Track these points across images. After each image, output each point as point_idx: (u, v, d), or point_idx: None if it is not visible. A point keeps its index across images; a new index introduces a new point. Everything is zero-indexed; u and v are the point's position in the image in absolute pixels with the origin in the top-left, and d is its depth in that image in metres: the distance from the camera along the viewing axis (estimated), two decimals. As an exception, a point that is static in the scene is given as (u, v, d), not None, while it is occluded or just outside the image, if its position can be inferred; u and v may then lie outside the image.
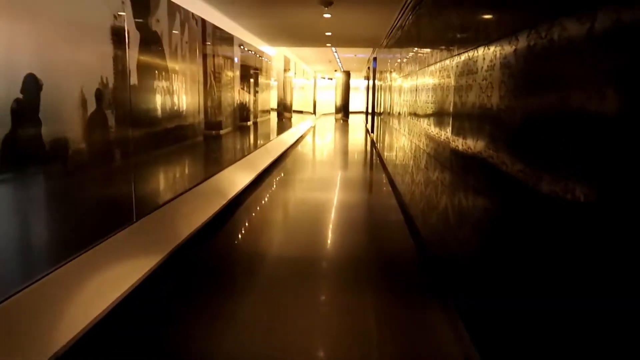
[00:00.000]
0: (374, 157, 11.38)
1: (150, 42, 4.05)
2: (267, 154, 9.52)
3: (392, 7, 6.57)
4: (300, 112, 22.10)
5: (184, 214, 4.47)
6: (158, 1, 4.19)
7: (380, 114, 12.07)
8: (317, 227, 5.27)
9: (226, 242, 4.63)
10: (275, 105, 12.65)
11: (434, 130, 3.94)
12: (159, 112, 4.35)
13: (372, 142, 14.26)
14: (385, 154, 9.32)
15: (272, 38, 10.00)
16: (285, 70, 13.89)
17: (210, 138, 6.19)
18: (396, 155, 7.33)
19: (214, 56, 6.07)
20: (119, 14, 3.42)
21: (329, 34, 9.13)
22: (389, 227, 5.29)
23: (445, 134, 3.40)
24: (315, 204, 6.45)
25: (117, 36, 3.43)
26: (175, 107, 4.72)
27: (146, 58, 3.94)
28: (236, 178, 6.88)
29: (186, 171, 5.27)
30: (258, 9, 6.80)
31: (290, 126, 16.26)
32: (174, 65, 4.61)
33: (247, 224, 5.44)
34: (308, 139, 16.20)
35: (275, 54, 11.83)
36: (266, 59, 10.60)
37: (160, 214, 4.12)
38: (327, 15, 7.04)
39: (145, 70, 3.94)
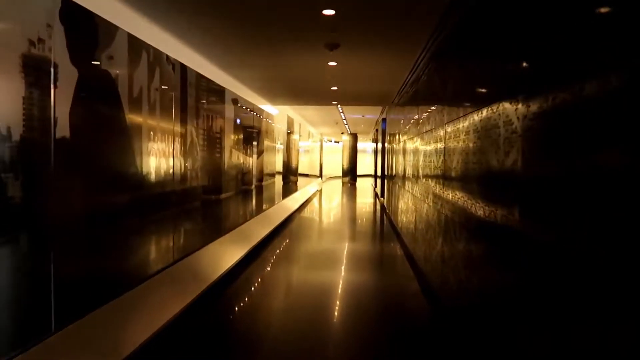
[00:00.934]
0: (385, 225, 10.21)
1: (97, 84, 3.06)
2: (266, 222, 8.39)
3: (406, 56, 5.71)
4: (307, 175, 21.27)
5: (133, 316, 3.25)
6: (113, 33, 3.24)
7: (391, 177, 11.06)
8: (316, 325, 3.99)
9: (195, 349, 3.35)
10: (280, 168, 11.70)
11: (462, 196, 2.83)
12: (115, 175, 3.29)
13: (382, 207, 13.14)
14: (400, 222, 8.17)
15: (272, 94, 9.24)
16: (290, 132, 13.09)
17: (207, 203, 5.12)
18: (416, 225, 6.16)
19: (197, 110, 5.13)
20: (39, 39, 2.44)
21: (335, 88, 8.33)
22: (413, 331, 3.99)
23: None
24: (317, 291, 5.18)
25: (35, 70, 2.43)
26: (138, 170, 3.66)
27: (87, 104, 2.92)
28: (224, 254, 5.70)
29: (151, 252, 4.11)
30: (254, 58, 5.97)
31: (295, 190, 15.26)
32: (136, 117, 3.60)
33: (226, 324, 4.16)
34: (314, 203, 15.14)
35: (277, 114, 11.04)
36: (267, 119, 9.80)
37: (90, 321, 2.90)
38: (332, 64, 6.20)
39: (85, 120, 2.91)
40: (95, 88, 3.04)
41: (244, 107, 7.98)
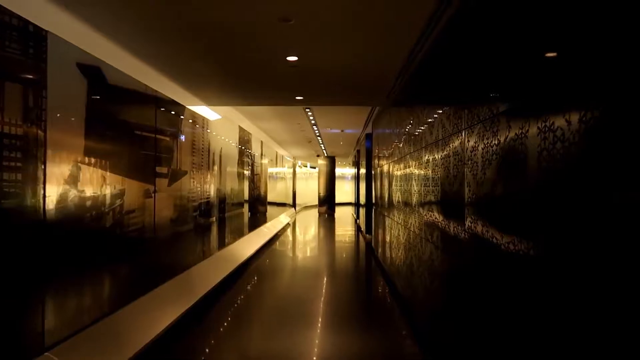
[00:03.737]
0: (377, 282, 7.01)
1: None
2: (198, 283, 5.09)
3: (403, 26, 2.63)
4: (282, 204, 17.98)
5: None
6: None
7: (381, 207, 7.96)
8: None
9: None
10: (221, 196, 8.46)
11: None
12: None
13: (369, 248, 9.94)
14: (400, 275, 4.99)
15: (195, 82, 6.04)
16: (242, 148, 9.89)
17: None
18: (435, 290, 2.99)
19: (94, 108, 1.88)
20: None
21: (294, 58, 5.20)
22: None
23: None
24: None
25: None
26: None
27: None
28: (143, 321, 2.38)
29: None
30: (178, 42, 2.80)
31: (261, 223, 11.92)
32: None
33: None
34: (282, 242, 11.82)
35: (218, 119, 7.81)
36: (194, 123, 6.59)
37: None
38: (292, 59, 3.09)
39: None
40: None
41: (191, 121, 4.79)
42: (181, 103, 5.97)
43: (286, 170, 20.19)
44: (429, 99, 3.97)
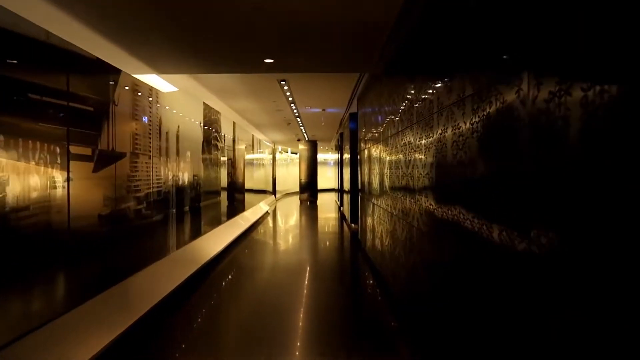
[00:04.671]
0: (363, 273, 5.92)
1: None
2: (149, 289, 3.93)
3: None
4: (261, 191, 16.79)
5: None
6: None
7: (366, 193, 6.84)
8: None
9: None
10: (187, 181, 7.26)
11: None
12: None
13: (355, 239, 8.84)
14: (396, 277, 3.91)
15: (168, 59, 4.79)
16: (208, 128, 8.68)
17: None
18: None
19: None
20: None
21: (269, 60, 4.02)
22: None
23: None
24: None
25: None
26: None
27: None
28: None
29: None
30: None
31: (237, 212, 10.73)
32: None
33: None
34: (261, 232, 10.64)
35: (175, 92, 6.55)
36: (136, 89, 5.35)
37: None
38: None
39: None
40: None
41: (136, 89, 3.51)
42: (125, 71, 4.72)
43: (265, 156, 18.92)
44: (437, 62, 2.82)
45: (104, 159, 3.98)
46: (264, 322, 4.28)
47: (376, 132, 6.02)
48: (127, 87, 4.60)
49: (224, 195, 9.68)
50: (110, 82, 4.22)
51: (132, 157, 4.57)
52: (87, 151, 3.71)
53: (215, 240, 7.61)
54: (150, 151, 5.08)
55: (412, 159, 3.66)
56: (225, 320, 4.47)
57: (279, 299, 5.05)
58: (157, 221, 5.25)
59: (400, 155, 4.21)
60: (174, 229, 5.86)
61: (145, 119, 4.95)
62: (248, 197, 13.44)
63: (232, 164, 10.68)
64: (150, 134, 5.08)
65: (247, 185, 13.42)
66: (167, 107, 5.77)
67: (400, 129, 4.23)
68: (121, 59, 4.75)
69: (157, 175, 5.32)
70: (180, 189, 6.29)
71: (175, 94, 6.21)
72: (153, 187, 5.16)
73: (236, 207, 11.32)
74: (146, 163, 4.96)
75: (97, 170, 3.82)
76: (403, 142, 4.10)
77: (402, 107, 4.14)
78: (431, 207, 3.10)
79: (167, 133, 5.70)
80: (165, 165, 5.62)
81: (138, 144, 4.73)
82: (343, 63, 5.18)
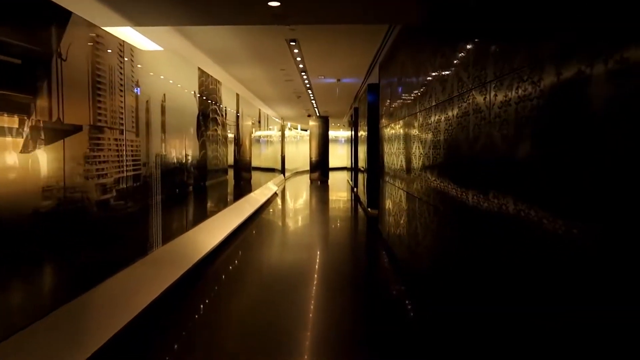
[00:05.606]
0: (389, 280, 4.82)
1: None
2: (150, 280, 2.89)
3: None
4: (269, 169, 15.71)
5: None
6: None
7: (389, 176, 5.64)
8: None
9: None
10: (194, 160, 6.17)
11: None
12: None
13: (373, 227, 7.66)
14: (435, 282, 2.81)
15: (144, 6, 3.62)
16: (203, 97, 7.54)
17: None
18: None
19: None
20: None
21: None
22: None
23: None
24: None
25: None
26: None
27: None
28: None
29: None
30: None
31: (242, 194, 9.66)
32: None
33: None
34: (266, 219, 9.57)
35: (160, 52, 5.39)
36: (166, 79, 4.20)
37: None
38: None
39: None
40: None
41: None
42: (93, 22, 3.55)
43: (274, 133, 17.72)
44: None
45: (45, 134, 2.86)
46: (267, 347, 3.20)
47: (408, 103, 4.81)
48: (85, 38, 3.44)
49: (227, 175, 8.58)
50: (54, 26, 3.05)
51: (92, 132, 3.44)
52: (13, 123, 2.58)
53: (213, 230, 6.53)
54: (122, 124, 3.95)
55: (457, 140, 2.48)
56: (220, 343, 3.40)
57: (285, 317, 3.97)
58: (131, 214, 4.15)
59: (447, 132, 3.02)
60: (156, 222, 4.78)
61: (114, 83, 3.80)
62: (255, 175, 12.38)
63: (236, 141, 9.54)
64: (122, 102, 3.94)
65: (254, 164, 12.34)
66: (147, 70, 4.60)
67: (454, 95, 3.03)
68: (85, 5, 3.58)
69: (133, 156, 4.19)
70: (168, 172, 5.18)
71: (159, 55, 5.03)
72: (127, 171, 4.05)
73: (243, 187, 10.24)
74: (116, 140, 3.82)
75: (29, 150, 2.71)
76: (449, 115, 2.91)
77: (452, 71, 2.93)
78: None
79: (147, 102, 4.54)
80: (145, 143, 4.49)
81: (102, 115, 3.60)
82: (369, 7, 3.94)
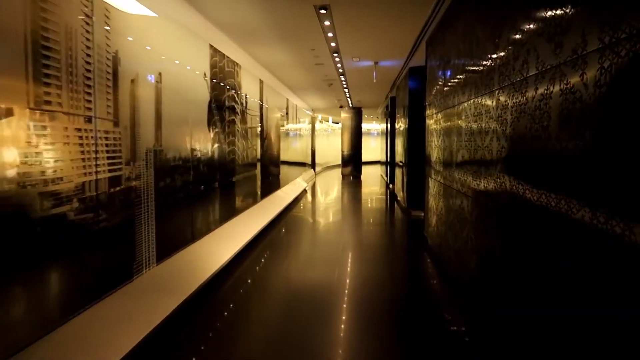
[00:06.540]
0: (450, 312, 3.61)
1: None
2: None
3: None
4: (299, 163, 14.79)
5: None
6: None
7: (445, 175, 4.38)
8: None
9: None
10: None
11: None
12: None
13: (419, 235, 6.39)
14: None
15: None
16: (217, 82, 6.49)
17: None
18: None
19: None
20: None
21: None
22: None
23: None
24: None
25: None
26: None
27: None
28: None
29: None
30: None
31: (270, 191, 8.65)
32: None
33: None
34: (293, 222, 8.49)
35: (155, 19, 4.33)
36: (161, 54, 3.18)
37: None
38: None
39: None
40: None
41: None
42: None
43: (304, 126, 16.62)
44: None
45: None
46: None
47: (476, 82, 3.58)
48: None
49: (254, 170, 7.54)
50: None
51: (33, 119, 2.41)
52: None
53: (220, 244, 5.49)
54: (90, 109, 2.91)
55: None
56: None
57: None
58: (104, 230, 3.12)
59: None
60: (146, 236, 3.74)
61: (73, 51, 2.76)
62: (284, 170, 11.36)
63: (260, 133, 8.49)
64: (89, 79, 2.90)
65: (283, 158, 11.33)
66: (133, 39, 3.55)
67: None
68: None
69: (109, 152, 3.16)
70: (166, 171, 4.15)
71: (153, 22, 3.97)
72: (99, 172, 3.02)
73: (270, 184, 9.22)
74: (78, 130, 2.80)
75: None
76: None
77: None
78: None
79: (132, 82, 3.49)
80: (129, 136, 3.45)
81: (52, 95, 2.57)
82: None
